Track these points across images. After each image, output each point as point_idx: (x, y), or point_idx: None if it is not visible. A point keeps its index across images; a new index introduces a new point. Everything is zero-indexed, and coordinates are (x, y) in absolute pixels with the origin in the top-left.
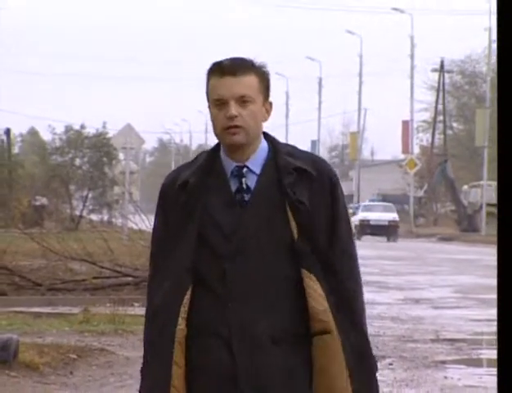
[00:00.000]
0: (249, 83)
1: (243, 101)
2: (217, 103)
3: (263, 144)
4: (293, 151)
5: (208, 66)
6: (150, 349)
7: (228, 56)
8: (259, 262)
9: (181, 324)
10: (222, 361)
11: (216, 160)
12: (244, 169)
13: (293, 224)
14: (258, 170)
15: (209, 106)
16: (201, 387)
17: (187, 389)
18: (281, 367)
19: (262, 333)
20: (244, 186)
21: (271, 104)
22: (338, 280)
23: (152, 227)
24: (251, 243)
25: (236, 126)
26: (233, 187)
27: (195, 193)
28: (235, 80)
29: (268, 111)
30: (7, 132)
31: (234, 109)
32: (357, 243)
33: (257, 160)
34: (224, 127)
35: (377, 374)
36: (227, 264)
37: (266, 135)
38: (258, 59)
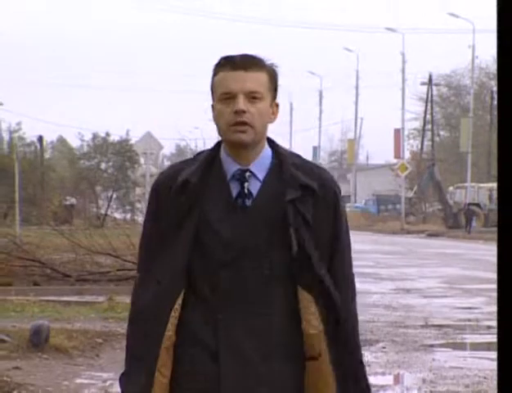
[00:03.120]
0: (259, 79)
1: (252, 97)
2: (224, 97)
3: (267, 149)
4: (298, 162)
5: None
6: (133, 354)
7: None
8: (255, 274)
9: (170, 330)
10: (207, 374)
11: (215, 160)
12: (247, 173)
13: (294, 240)
14: (261, 176)
15: (213, 105)
16: None
17: None
18: (269, 384)
19: (252, 348)
20: (246, 191)
21: (277, 105)
22: (332, 303)
23: (142, 227)
24: (249, 253)
25: (244, 122)
26: (234, 191)
27: (195, 194)
28: (246, 75)
29: (275, 113)
30: (40, 139)
31: (242, 103)
32: (353, 238)
33: (260, 165)
34: (230, 123)
35: None
36: (222, 273)
37: (270, 141)
38: (268, 58)
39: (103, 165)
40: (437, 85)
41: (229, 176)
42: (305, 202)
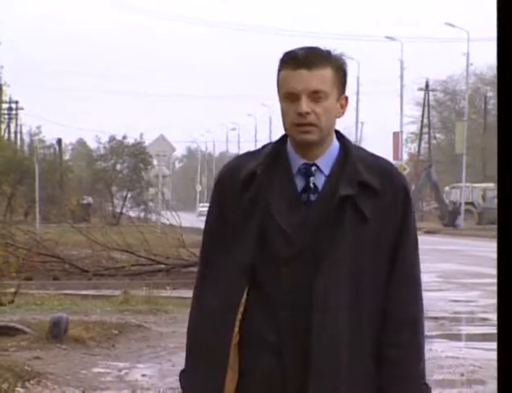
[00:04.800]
0: (324, 76)
1: (316, 96)
2: (287, 96)
3: (335, 143)
4: (365, 156)
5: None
6: (201, 351)
7: (303, 47)
8: (318, 270)
9: (237, 326)
10: (270, 370)
11: (281, 153)
12: (313, 168)
13: (346, 237)
14: (326, 170)
15: (279, 98)
16: None
17: None
18: None
19: (317, 346)
20: (312, 185)
21: (346, 98)
22: (390, 302)
23: (205, 220)
24: (312, 248)
25: (309, 124)
26: (299, 185)
27: (261, 187)
28: (309, 74)
29: (343, 107)
30: (59, 142)
31: (306, 105)
32: None
33: (327, 159)
34: (295, 123)
35: None
36: (285, 268)
37: (338, 134)
38: (335, 50)
39: (118, 166)
40: (433, 91)
41: (295, 170)
42: (364, 199)
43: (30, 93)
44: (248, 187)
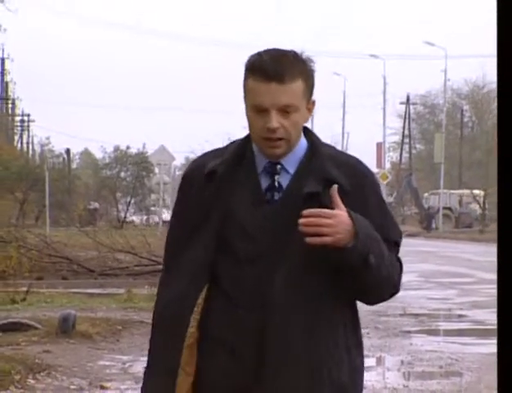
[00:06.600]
0: (295, 91)
1: (286, 110)
2: (255, 108)
3: (302, 142)
4: (334, 154)
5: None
6: (155, 351)
7: (267, 48)
8: (282, 272)
9: (193, 326)
10: (225, 368)
11: (247, 151)
12: (278, 166)
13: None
14: (292, 169)
15: (246, 105)
16: None
17: None
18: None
19: (274, 350)
20: (277, 184)
21: (313, 102)
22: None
23: (171, 215)
24: (274, 248)
25: (278, 139)
26: (264, 184)
27: (222, 185)
28: (279, 88)
29: (311, 110)
30: (67, 151)
31: (275, 120)
32: None
33: (292, 158)
34: (263, 137)
35: None
36: (246, 268)
37: (306, 131)
38: (302, 52)
39: (122, 174)
40: (414, 104)
41: (260, 169)
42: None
43: (40, 106)
44: (209, 185)
